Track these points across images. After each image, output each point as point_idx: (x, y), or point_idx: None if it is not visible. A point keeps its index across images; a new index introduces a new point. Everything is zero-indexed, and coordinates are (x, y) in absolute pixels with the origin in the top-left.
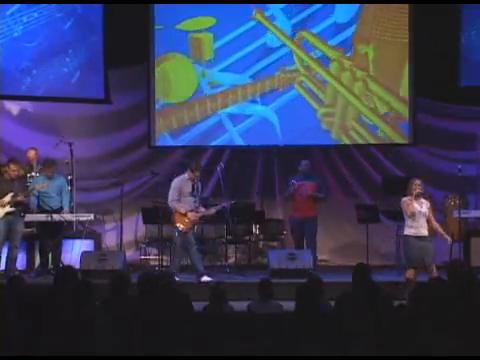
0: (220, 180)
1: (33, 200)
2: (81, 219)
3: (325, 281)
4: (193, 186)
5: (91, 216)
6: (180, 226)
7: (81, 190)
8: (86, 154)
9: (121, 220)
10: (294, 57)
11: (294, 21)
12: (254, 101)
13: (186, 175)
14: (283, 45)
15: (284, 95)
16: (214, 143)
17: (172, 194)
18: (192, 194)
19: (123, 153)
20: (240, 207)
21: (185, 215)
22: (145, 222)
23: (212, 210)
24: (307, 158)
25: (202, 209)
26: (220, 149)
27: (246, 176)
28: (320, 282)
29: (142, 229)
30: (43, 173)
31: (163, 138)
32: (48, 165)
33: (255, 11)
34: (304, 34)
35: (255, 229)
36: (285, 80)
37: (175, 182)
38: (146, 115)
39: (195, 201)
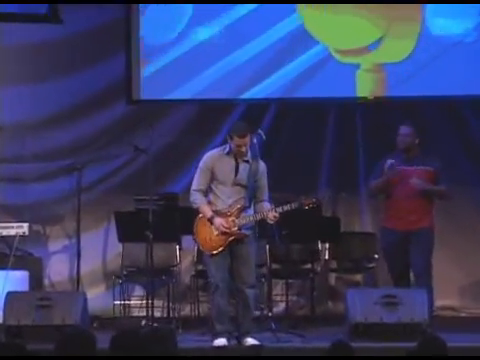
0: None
1: None
2: (4, 234)
3: (451, 346)
4: (237, 167)
5: (24, 228)
6: (203, 245)
7: (5, 181)
8: (15, 115)
9: (78, 235)
10: None
11: None
12: None
13: (224, 148)
14: None
15: None
16: (246, 95)
17: (197, 180)
18: (236, 181)
19: (81, 113)
20: (298, 211)
21: (210, 222)
22: (122, 238)
23: (272, 212)
24: (407, 122)
25: (250, 212)
26: (257, 105)
27: (304, 153)
28: (443, 348)
29: (116, 250)
30: None
31: (152, 86)
32: None
33: None
34: None
35: (323, 251)
36: None
37: (204, 159)
38: (123, 44)
39: (242, 195)
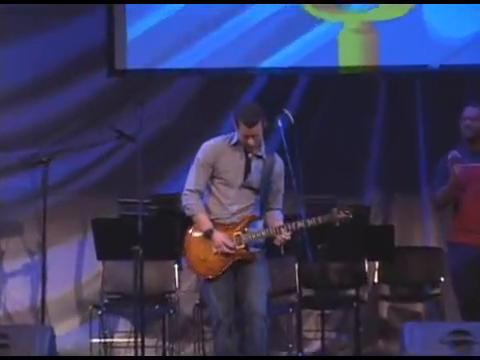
0: (284, 148)
1: None
2: None
3: None
4: (248, 163)
5: None
6: (196, 267)
7: None
8: None
9: (43, 250)
10: None
11: None
12: None
13: (231, 137)
14: None
15: None
16: (266, 64)
17: (193, 178)
18: (246, 183)
19: (49, 88)
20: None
21: (208, 236)
22: (102, 255)
23: (283, 233)
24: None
25: (260, 225)
26: (282, 77)
27: (345, 141)
28: None
29: (94, 270)
30: None
31: (141, 52)
32: None
33: None
34: None
35: (371, 272)
36: None
37: (204, 150)
38: None
39: (251, 202)
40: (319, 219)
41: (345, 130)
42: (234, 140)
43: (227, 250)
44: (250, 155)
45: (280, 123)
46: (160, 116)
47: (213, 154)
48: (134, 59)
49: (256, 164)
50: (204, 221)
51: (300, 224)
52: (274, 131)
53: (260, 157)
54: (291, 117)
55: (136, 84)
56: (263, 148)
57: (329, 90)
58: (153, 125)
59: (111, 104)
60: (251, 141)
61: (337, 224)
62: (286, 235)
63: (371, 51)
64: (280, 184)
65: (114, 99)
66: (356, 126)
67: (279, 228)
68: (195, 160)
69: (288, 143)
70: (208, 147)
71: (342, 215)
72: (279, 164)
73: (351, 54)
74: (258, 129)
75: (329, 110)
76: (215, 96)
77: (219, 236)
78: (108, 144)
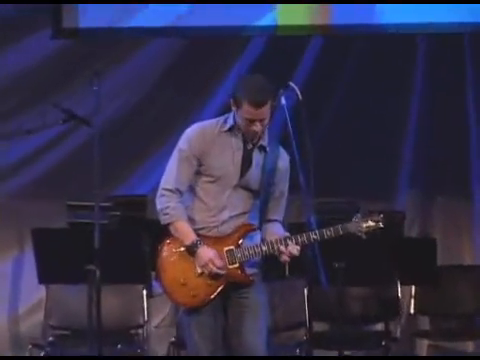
0: (289, 134)
1: None
2: None
3: None
4: (247, 155)
5: None
6: (173, 293)
7: None
8: None
9: None
10: None
11: None
12: None
13: (223, 120)
14: None
15: None
16: (264, 22)
17: (172, 174)
18: (243, 182)
19: None
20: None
21: (191, 252)
22: (46, 277)
23: (290, 246)
24: None
25: (258, 238)
26: (285, 39)
27: (371, 124)
28: None
29: (35, 297)
30: None
31: (98, 7)
32: None
33: None
34: None
35: (405, 300)
36: None
37: (187, 138)
38: None
39: (248, 208)
40: (339, 229)
41: (370, 110)
42: (228, 124)
43: (216, 270)
44: (250, 145)
45: (284, 100)
46: (125, 91)
47: (200, 143)
48: (89, 15)
49: (257, 158)
50: (186, 231)
51: (314, 236)
52: (276, 111)
53: (263, 148)
54: (299, 93)
55: (92, 48)
56: (267, 137)
57: (350, 55)
58: (115, 103)
59: (58, 75)
60: (257, 127)
61: (363, 237)
62: (293, 249)
63: None
64: (284, 186)
65: (62, 68)
66: (385, 105)
67: (285, 239)
68: (175, 151)
69: (294, 127)
70: (194, 134)
71: (370, 224)
72: (284, 160)
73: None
74: (267, 111)
75: (349, 83)
76: (198, 65)
77: (206, 252)
78: (53, 129)
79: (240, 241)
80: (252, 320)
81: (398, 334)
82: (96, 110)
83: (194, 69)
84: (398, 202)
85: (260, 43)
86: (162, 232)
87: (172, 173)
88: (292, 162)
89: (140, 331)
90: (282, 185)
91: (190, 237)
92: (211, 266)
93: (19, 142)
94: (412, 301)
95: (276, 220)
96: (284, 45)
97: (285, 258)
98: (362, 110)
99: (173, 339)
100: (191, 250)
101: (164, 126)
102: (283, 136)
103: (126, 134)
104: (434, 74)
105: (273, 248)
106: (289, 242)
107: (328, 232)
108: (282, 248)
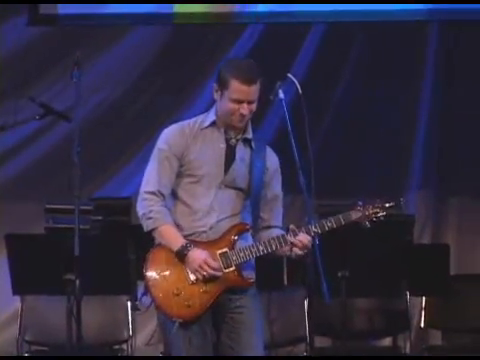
0: (288, 130)
1: None
2: None
3: None
4: (230, 151)
5: None
6: (163, 304)
7: None
8: None
9: None
10: None
11: None
12: None
13: (203, 118)
14: None
15: None
16: (263, 8)
17: (153, 176)
18: (227, 180)
19: None
20: (362, 232)
21: (181, 257)
22: (21, 288)
23: (300, 234)
24: None
25: (250, 239)
26: (286, 27)
27: (379, 117)
28: None
29: (9, 310)
30: None
31: None
32: None
33: None
34: None
35: (415, 312)
36: None
37: (166, 137)
38: None
39: (238, 210)
40: (340, 218)
41: (376, 104)
42: (209, 120)
43: (211, 271)
44: (233, 140)
45: (282, 94)
46: (107, 83)
47: (180, 141)
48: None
49: (242, 153)
50: (174, 236)
51: (314, 229)
52: (272, 105)
53: (248, 142)
54: (298, 85)
55: (71, 36)
56: (250, 130)
57: (355, 43)
58: (97, 96)
59: (34, 65)
60: (244, 109)
61: (367, 224)
62: (304, 238)
63: None
64: (276, 188)
65: (38, 58)
66: (393, 97)
67: (293, 232)
68: (154, 152)
69: (293, 123)
70: (172, 132)
71: (374, 210)
72: (273, 159)
73: None
74: (256, 91)
75: (354, 73)
76: (187, 54)
77: (197, 254)
78: (29, 124)
79: (234, 242)
80: (248, 337)
81: (407, 350)
82: (76, 104)
83: (181, 59)
84: (408, 204)
85: (256, 31)
86: (148, 238)
87: (152, 175)
88: (291, 162)
89: (124, 347)
90: (274, 186)
91: (178, 241)
92: (205, 268)
93: None
94: (422, 314)
95: (275, 226)
96: (282, 34)
97: (298, 251)
98: (365, 106)
99: (161, 353)
100: (181, 255)
101: (147, 122)
102: (281, 133)
103: (109, 130)
104: (448, 63)
105: (271, 247)
106: (298, 232)
107: (329, 223)
108: (291, 239)
